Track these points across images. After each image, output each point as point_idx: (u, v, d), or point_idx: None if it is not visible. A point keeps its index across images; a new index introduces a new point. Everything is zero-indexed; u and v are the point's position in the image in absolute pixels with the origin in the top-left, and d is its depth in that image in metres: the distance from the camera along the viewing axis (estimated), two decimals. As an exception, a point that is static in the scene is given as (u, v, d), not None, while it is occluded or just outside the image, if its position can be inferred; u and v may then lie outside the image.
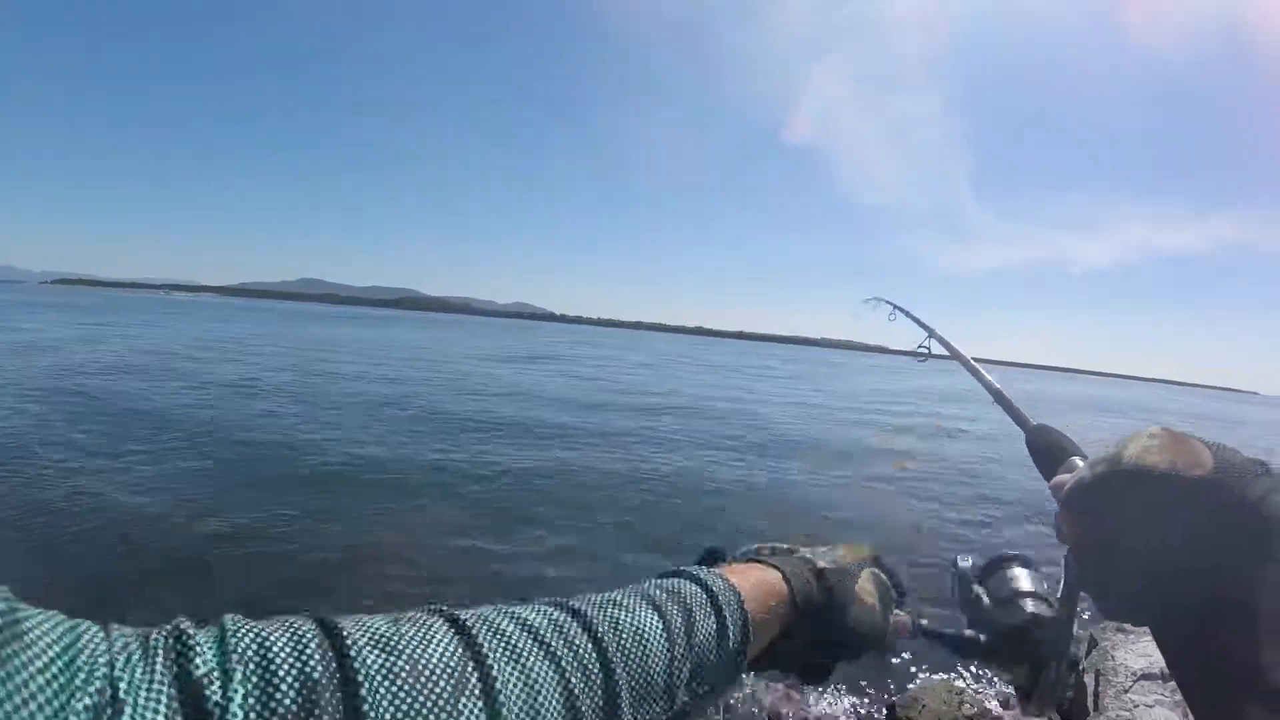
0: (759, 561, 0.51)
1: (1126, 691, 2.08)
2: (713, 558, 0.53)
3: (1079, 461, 0.53)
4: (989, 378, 0.76)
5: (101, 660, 0.24)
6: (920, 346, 1.01)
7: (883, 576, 0.55)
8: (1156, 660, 2.07)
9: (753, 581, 0.47)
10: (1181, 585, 0.37)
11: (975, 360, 0.81)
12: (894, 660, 2.91)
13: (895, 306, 1.18)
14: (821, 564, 0.51)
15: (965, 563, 0.60)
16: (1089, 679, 2.19)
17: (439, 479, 6.02)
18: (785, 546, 0.54)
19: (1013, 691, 0.97)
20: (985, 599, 0.56)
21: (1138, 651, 2.18)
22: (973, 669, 2.87)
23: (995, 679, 2.77)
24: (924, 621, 0.55)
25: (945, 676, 2.77)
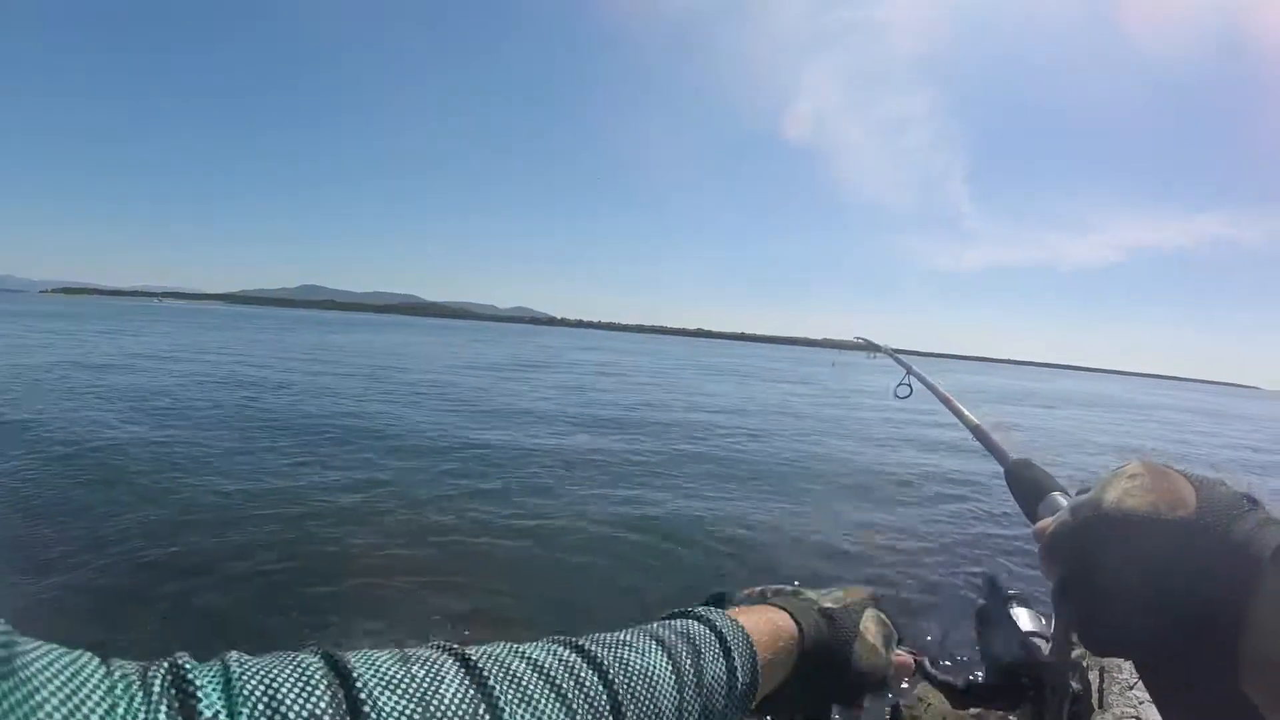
0: (765, 604, 0.51)
1: (1131, 688, 2.07)
2: (718, 601, 0.52)
3: (1060, 499, 0.52)
4: (968, 413, 0.76)
5: (102, 700, 0.23)
6: (901, 384, 1.07)
7: (884, 617, 0.55)
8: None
9: (761, 622, 0.47)
10: (1166, 623, 0.36)
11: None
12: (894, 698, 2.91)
13: (871, 344, 1.22)
14: (827, 604, 0.51)
15: (993, 585, 0.58)
16: (1093, 676, 2.18)
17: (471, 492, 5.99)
18: (789, 589, 0.54)
19: None
20: (993, 642, 0.55)
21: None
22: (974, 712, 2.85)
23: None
24: (926, 660, 0.55)
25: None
